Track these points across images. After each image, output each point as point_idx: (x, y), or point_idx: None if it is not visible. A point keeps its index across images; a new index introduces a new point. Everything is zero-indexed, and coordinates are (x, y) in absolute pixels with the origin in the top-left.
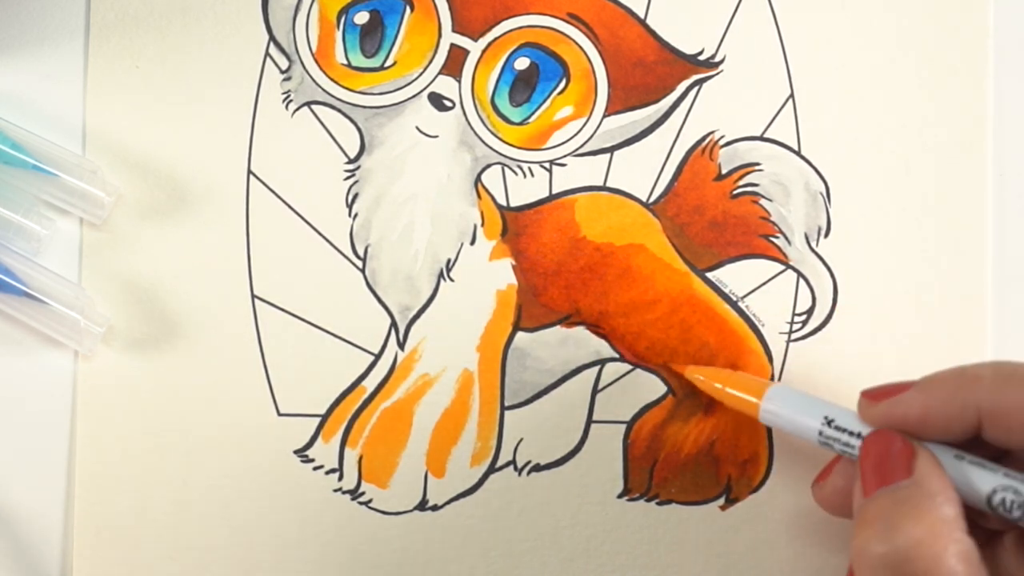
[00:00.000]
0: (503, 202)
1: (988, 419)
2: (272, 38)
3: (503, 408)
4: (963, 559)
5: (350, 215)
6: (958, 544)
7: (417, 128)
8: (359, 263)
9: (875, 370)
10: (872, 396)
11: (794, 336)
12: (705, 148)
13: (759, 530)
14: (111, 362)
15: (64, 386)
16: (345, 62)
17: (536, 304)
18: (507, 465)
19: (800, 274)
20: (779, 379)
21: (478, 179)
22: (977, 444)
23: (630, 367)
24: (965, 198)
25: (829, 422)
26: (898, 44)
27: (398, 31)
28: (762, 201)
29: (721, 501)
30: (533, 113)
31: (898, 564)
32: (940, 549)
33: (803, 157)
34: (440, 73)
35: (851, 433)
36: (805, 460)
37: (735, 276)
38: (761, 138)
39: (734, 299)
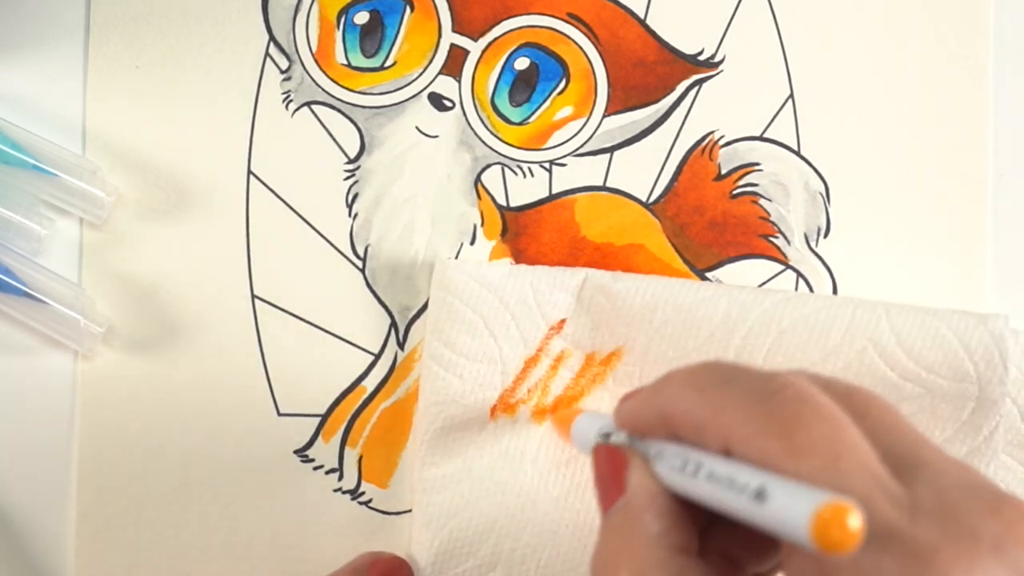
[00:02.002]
0: (503, 202)
1: (672, 425)
2: (272, 38)
3: None
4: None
5: (350, 215)
6: (661, 570)
7: (417, 128)
8: (359, 263)
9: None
10: (624, 397)
11: None
12: (705, 148)
13: None
14: (111, 362)
15: (64, 386)
16: (345, 62)
17: None
18: None
19: (800, 274)
20: None
21: (478, 179)
22: None
23: None
24: (965, 198)
25: (605, 435)
26: (898, 44)
27: (398, 31)
28: (762, 201)
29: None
30: (533, 113)
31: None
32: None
33: (803, 157)
34: (440, 73)
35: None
36: None
37: (735, 276)
38: (761, 138)
39: None
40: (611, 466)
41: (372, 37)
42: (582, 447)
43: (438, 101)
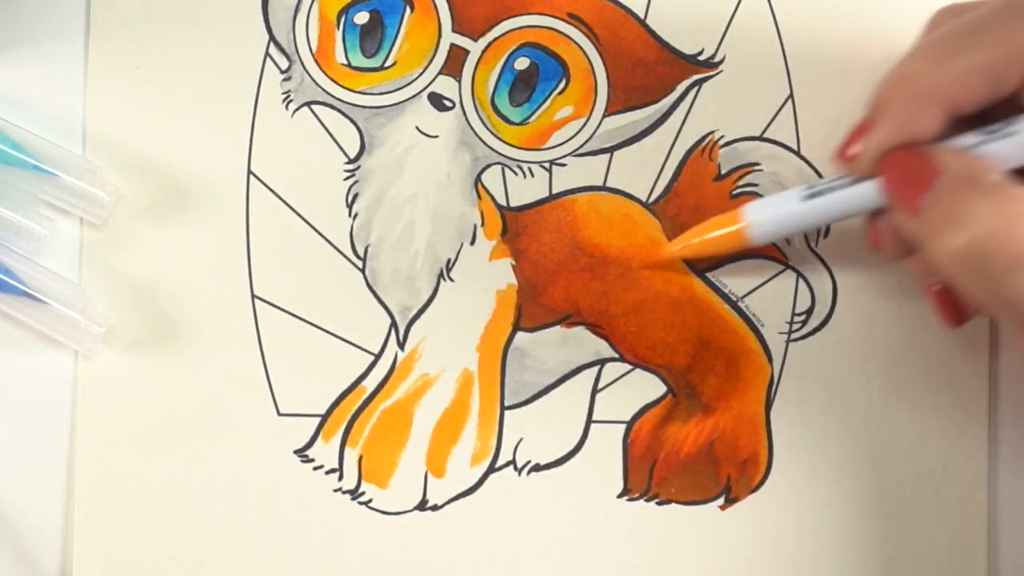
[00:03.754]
0: (503, 202)
1: (951, 102)
2: (272, 38)
3: (503, 408)
4: None
5: (350, 215)
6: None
7: (417, 128)
8: (359, 263)
9: (875, 370)
10: (845, 152)
11: (794, 336)
12: (705, 148)
13: (759, 530)
14: (111, 362)
15: (64, 386)
16: (345, 62)
17: (536, 304)
18: (507, 465)
19: (800, 274)
20: (779, 379)
21: (478, 179)
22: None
23: (630, 367)
24: None
25: (811, 193)
26: (898, 44)
27: (398, 31)
28: None
29: (721, 501)
30: (533, 113)
31: (982, 248)
32: (1012, 214)
33: (803, 157)
34: (440, 73)
35: (837, 186)
36: (805, 460)
37: (735, 276)
38: (761, 138)
39: (734, 299)
40: (911, 164)
41: (372, 37)
42: (773, 225)
43: (438, 101)
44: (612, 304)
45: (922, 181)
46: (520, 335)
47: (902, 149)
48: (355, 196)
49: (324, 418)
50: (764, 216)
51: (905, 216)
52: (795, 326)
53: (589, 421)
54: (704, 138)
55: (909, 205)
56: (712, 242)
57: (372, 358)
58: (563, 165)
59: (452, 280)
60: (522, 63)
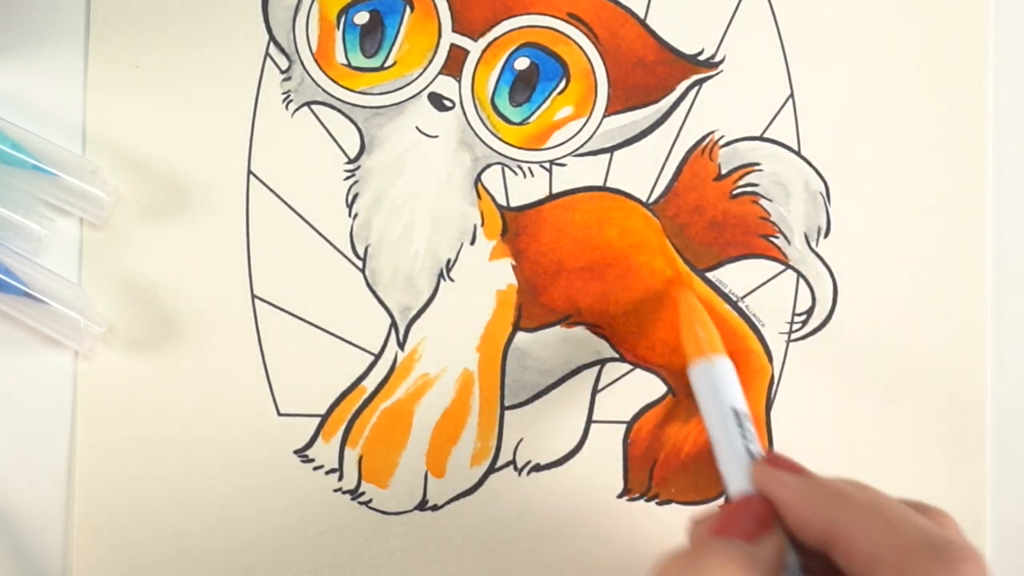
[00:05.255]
0: (503, 202)
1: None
2: (272, 38)
3: (503, 408)
4: None
5: (350, 215)
6: None
7: (417, 128)
8: (359, 263)
9: (875, 370)
10: (769, 460)
11: (794, 336)
12: (705, 148)
13: None
14: (111, 362)
15: (64, 386)
16: (345, 62)
17: (536, 304)
18: (507, 465)
19: (800, 274)
20: (779, 379)
21: (478, 179)
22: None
23: (630, 367)
24: (965, 198)
25: (737, 416)
26: (898, 44)
27: (398, 31)
28: (762, 201)
29: (721, 501)
30: (533, 113)
31: None
32: None
33: (803, 157)
34: (440, 73)
35: (747, 439)
36: (805, 460)
37: (735, 276)
38: (761, 138)
39: (734, 299)
40: (759, 510)
41: (372, 37)
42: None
43: (438, 101)
44: (612, 304)
45: (737, 527)
46: (520, 335)
47: (771, 503)
48: (355, 196)
49: (324, 418)
50: (699, 385)
51: (705, 525)
52: (795, 326)
53: (589, 421)
54: (704, 138)
55: (720, 526)
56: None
57: (372, 358)
58: (563, 165)
59: (452, 280)
60: (522, 63)
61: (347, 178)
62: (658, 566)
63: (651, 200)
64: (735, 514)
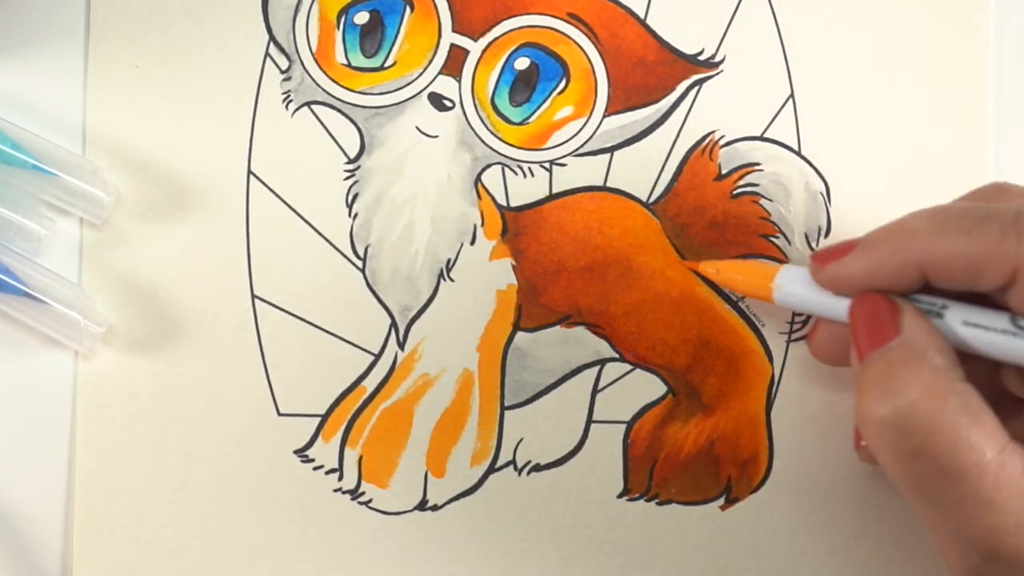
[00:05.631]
0: (503, 202)
1: (929, 271)
2: (272, 38)
3: (503, 408)
4: (962, 409)
5: (350, 215)
6: (955, 395)
7: (417, 128)
8: (359, 263)
9: None
10: (819, 258)
11: (794, 336)
12: (705, 148)
13: (759, 530)
14: (111, 362)
15: (64, 386)
16: (345, 62)
17: (536, 304)
18: (507, 465)
19: None
20: (779, 379)
21: (478, 179)
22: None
23: (630, 367)
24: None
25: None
26: (898, 44)
27: (398, 31)
28: (762, 201)
29: (721, 501)
30: (533, 113)
31: (901, 424)
32: (939, 404)
33: (803, 157)
34: (440, 73)
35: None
36: (805, 460)
37: None
38: (761, 138)
39: (734, 299)
40: (877, 314)
41: (372, 37)
42: (795, 298)
43: (438, 101)
44: (612, 304)
45: (879, 335)
46: (520, 335)
47: (879, 295)
48: (355, 196)
49: (324, 418)
50: (791, 287)
51: (854, 356)
52: (795, 326)
53: (589, 421)
54: (704, 138)
55: (860, 350)
56: (739, 281)
57: (372, 358)
58: (563, 165)
59: (452, 280)
60: (522, 63)
61: (347, 178)
62: (865, 416)
63: (651, 200)
64: (865, 327)
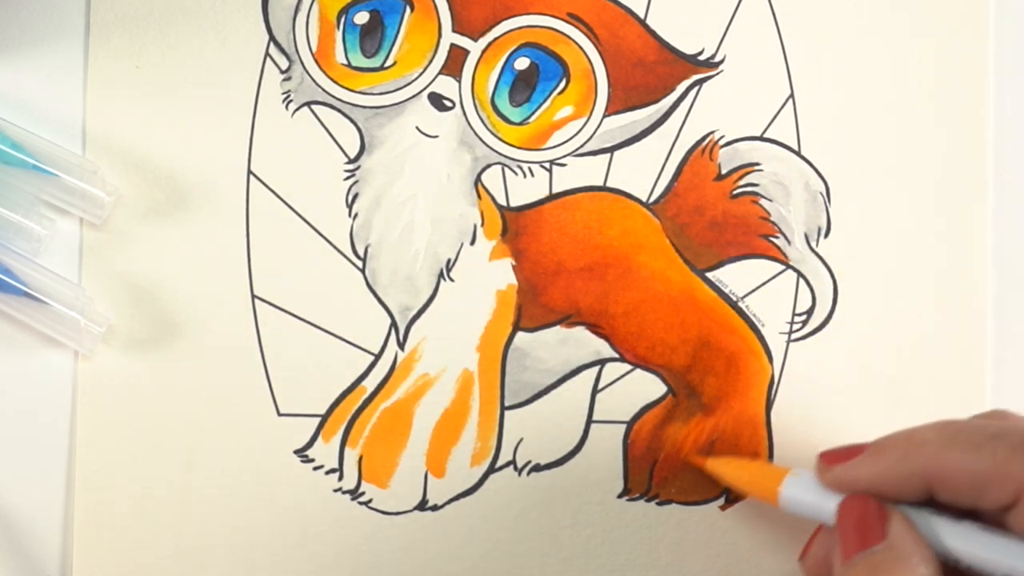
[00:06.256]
0: (503, 202)
1: (935, 483)
2: (272, 38)
3: (503, 408)
4: None
5: (350, 215)
6: None
7: (417, 128)
8: (359, 263)
9: (875, 370)
10: (826, 459)
11: (794, 336)
12: (705, 148)
13: (759, 530)
14: (111, 362)
15: (64, 386)
16: (345, 62)
17: (536, 304)
18: (507, 465)
19: (800, 274)
20: (779, 379)
21: (478, 179)
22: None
23: (630, 367)
24: (965, 198)
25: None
26: (898, 44)
27: (398, 31)
28: (762, 201)
29: (721, 501)
30: (533, 113)
31: None
32: None
33: (803, 157)
34: (440, 73)
35: None
36: (805, 460)
37: (735, 276)
38: (761, 138)
39: (734, 299)
40: (865, 516)
41: (372, 37)
42: (800, 505)
43: (438, 101)
44: (612, 304)
45: (865, 537)
46: (520, 335)
47: (869, 498)
48: (355, 196)
49: (324, 418)
50: (795, 496)
51: (838, 557)
52: (795, 326)
53: (589, 421)
54: (704, 138)
55: (844, 551)
56: (744, 480)
57: (372, 358)
58: (563, 165)
59: (452, 280)
60: (522, 63)
61: (347, 178)
62: None
63: (651, 200)
64: (851, 529)
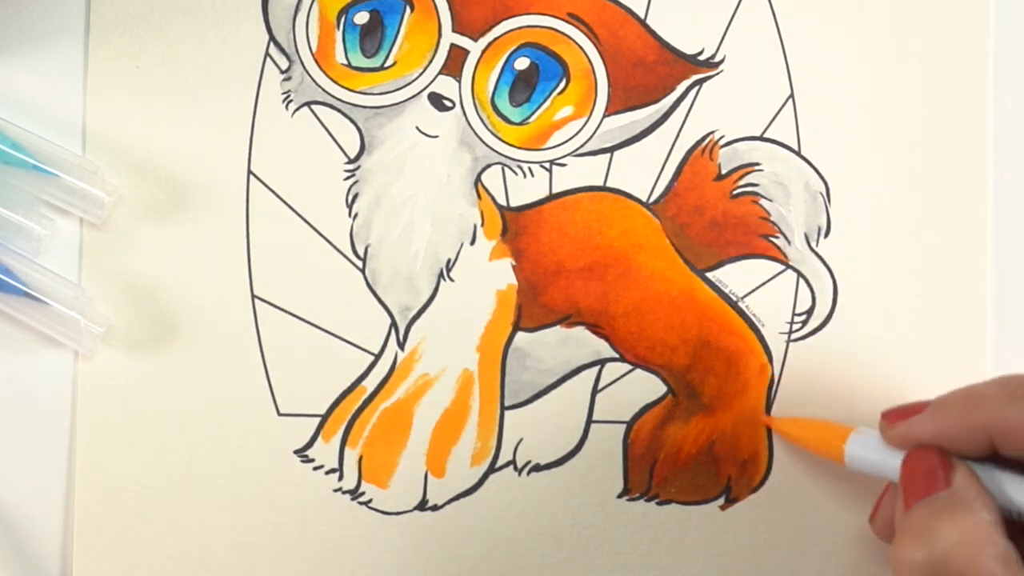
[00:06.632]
0: (503, 202)
1: (998, 437)
2: (272, 38)
3: (503, 408)
4: (1001, 561)
5: (350, 215)
6: (995, 547)
7: (417, 128)
8: (359, 263)
9: (875, 370)
10: (889, 417)
11: (794, 336)
12: (705, 148)
13: (759, 530)
14: (111, 362)
15: (64, 386)
16: (345, 62)
17: (536, 304)
18: (507, 465)
19: (800, 274)
20: (779, 379)
21: (478, 179)
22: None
23: (630, 367)
24: (965, 198)
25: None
26: (898, 44)
27: (398, 31)
28: (762, 201)
29: (721, 501)
30: (533, 113)
31: (937, 568)
32: (977, 551)
33: (803, 157)
34: (440, 73)
35: None
36: (805, 460)
37: (735, 276)
38: (761, 138)
39: (734, 299)
40: (930, 467)
41: (372, 37)
42: (865, 462)
43: (438, 101)
44: (612, 304)
45: (929, 486)
46: (520, 335)
47: (934, 450)
48: (355, 196)
49: (324, 418)
50: (861, 453)
51: (900, 506)
52: (795, 326)
53: (589, 421)
54: (704, 138)
55: (906, 499)
56: (810, 439)
57: (372, 358)
58: (563, 165)
59: (452, 280)
60: (522, 63)
61: (347, 178)
62: (900, 560)
63: (651, 200)
64: (916, 479)
